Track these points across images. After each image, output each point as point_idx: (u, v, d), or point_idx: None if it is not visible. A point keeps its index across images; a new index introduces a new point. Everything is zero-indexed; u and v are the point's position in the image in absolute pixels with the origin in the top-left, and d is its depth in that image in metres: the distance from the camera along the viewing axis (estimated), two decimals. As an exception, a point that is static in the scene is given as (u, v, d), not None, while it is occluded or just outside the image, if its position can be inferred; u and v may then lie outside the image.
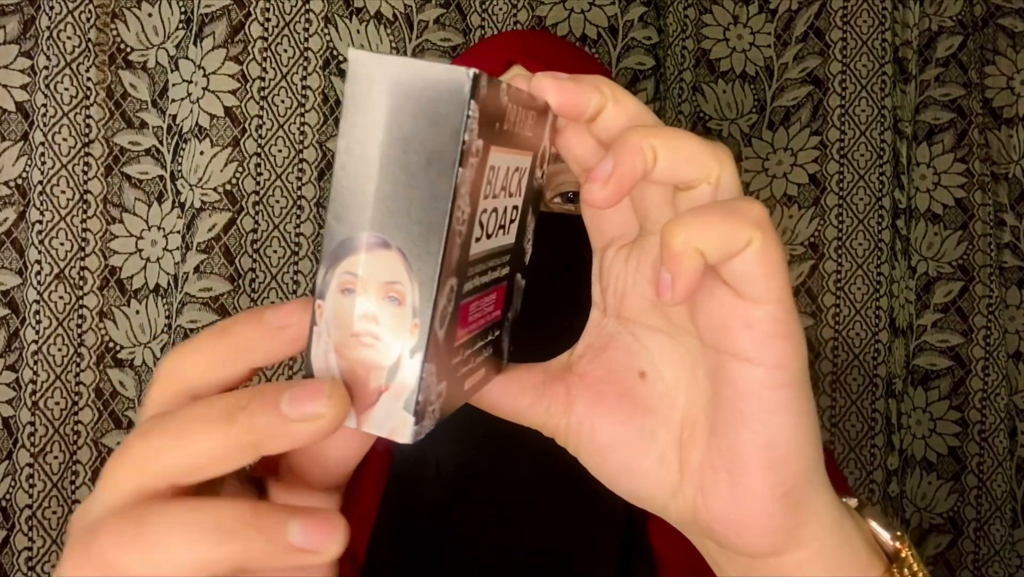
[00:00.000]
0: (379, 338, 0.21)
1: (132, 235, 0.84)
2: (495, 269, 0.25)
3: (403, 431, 0.22)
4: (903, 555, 0.28)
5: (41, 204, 0.80)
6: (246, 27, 0.81)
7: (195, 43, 0.81)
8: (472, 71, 0.20)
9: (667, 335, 0.27)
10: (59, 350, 0.81)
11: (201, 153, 0.80)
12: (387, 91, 0.21)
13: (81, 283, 0.82)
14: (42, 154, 0.81)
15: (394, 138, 0.21)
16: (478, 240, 0.23)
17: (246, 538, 0.20)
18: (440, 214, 0.21)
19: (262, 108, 0.82)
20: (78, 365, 0.82)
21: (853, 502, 0.30)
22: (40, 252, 0.80)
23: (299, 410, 0.21)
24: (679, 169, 0.23)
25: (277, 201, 0.82)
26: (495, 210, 0.24)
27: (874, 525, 0.29)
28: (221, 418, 0.21)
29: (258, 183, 0.82)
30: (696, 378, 0.27)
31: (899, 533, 0.28)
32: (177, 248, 0.82)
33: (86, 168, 0.82)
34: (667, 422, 0.27)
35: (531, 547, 0.51)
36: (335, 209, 0.21)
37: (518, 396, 0.28)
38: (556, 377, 0.29)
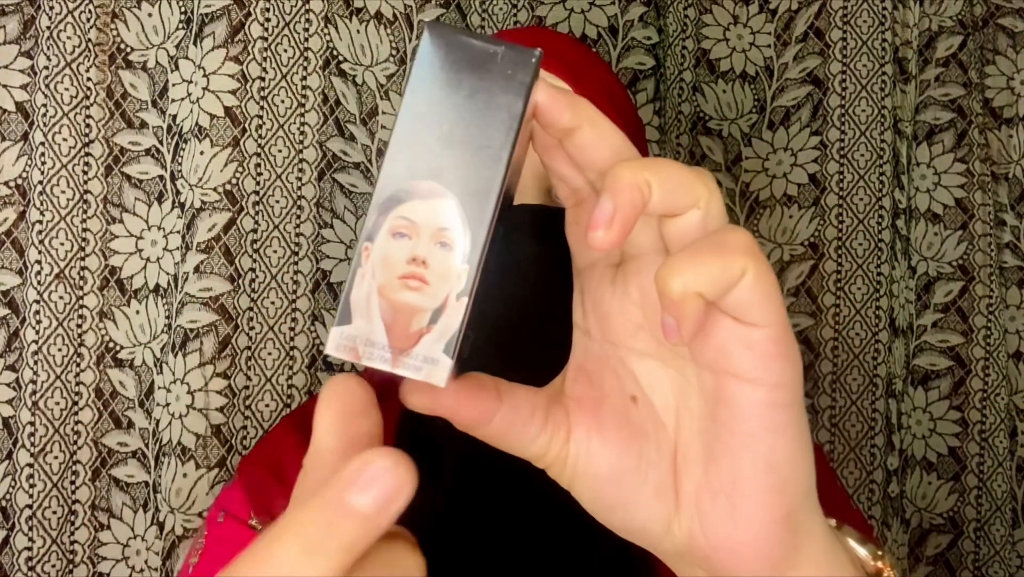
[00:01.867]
0: (426, 282, 0.23)
1: (132, 235, 0.84)
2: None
3: (439, 373, 0.23)
4: (885, 575, 0.28)
5: (41, 204, 0.80)
6: (246, 27, 0.81)
7: (195, 43, 0.81)
8: (538, 50, 0.23)
9: (655, 359, 0.27)
10: (59, 350, 0.81)
11: (201, 153, 0.80)
12: (457, 55, 0.23)
13: (81, 283, 0.82)
14: (42, 154, 0.81)
15: (462, 95, 0.23)
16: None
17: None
18: (500, 168, 0.22)
19: (262, 108, 0.82)
20: (78, 365, 0.82)
21: (832, 522, 0.29)
22: (40, 252, 0.80)
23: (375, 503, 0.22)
24: (672, 200, 0.24)
25: (277, 201, 0.82)
26: None
27: (853, 544, 0.29)
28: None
29: (258, 183, 0.82)
30: (688, 402, 0.26)
31: (879, 553, 0.29)
32: (177, 248, 0.82)
33: (86, 168, 0.82)
34: (661, 449, 0.27)
35: (533, 549, 0.51)
36: (393, 156, 0.23)
37: (525, 427, 0.26)
38: (555, 403, 0.27)
